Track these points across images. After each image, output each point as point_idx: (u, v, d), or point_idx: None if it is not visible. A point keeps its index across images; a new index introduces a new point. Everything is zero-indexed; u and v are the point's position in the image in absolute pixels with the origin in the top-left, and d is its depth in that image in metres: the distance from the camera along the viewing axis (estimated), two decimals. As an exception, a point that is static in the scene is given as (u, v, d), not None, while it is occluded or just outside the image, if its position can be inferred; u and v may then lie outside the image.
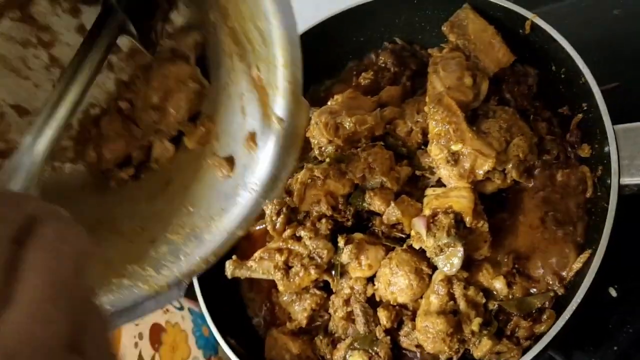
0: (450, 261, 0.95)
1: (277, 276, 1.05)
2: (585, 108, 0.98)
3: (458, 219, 0.95)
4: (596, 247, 0.86)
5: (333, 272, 1.06)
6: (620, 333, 1.06)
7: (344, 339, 1.05)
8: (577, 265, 0.95)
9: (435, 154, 1.01)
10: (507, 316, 0.97)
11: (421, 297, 1.00)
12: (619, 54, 1.24)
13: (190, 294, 1.27)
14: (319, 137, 1.11)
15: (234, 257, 1.12)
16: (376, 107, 1.15)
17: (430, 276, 0.99)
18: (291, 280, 1.05)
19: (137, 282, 0.80)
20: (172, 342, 1.32)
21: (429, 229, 0.95)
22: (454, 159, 0.98)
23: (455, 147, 0.98)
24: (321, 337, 1.07)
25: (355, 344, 1.02)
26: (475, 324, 0.94)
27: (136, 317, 0.82)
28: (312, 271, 1.04)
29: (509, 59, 1.08)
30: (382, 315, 1.01)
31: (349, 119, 1.08)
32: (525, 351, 0.92)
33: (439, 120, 1.00)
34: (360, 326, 1.02)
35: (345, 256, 1.02)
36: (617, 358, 1.04)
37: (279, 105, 0.72)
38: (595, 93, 0.91)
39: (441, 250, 0.95)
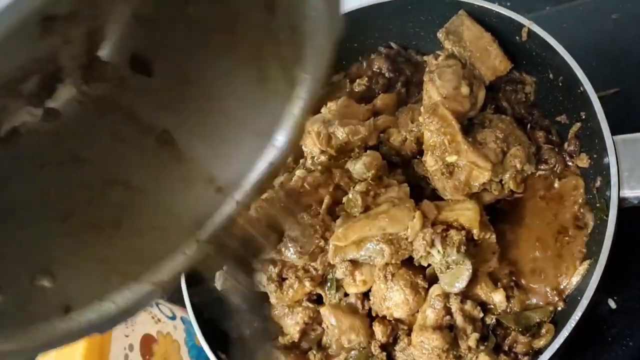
0: (456, 279, 0.93)
1: (271, 288, 1.03)
2: (583, 117, 0.96)
3: (469, 237, 0.92)
4: (596, 260, 0.84)
5: (327, 285, 1.03)
6: (620, 346, 1.04)
7: (339, 354, 1.03)
8: (576, 279, 0.93)
9: (430, 165, 0.99)
10: (505, 331, 0.95)
11: (417, 311, 0.97)
12: (618, 59, 1.22)
13: (182, 303, 1.25)
14: (312, 147, 1.09)
15: (225, 268, 1.09)
16: (370, 116, 1.12)
17: (426, 290, 0.97)
18: (284, 292, 1.03)
19: (144, 281, 0.77)
20: (164, 353, 1.29)
21: (432, 245, 0.93)
22: (449, 171, 0.96)
23: (450, 159, 0.96)
24: (314, 352, 1.05)
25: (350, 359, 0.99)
26: (472, 339, 0.92)
27: (136, 313, 0.79)
28: (307, 284, 1.01)
29: (506, 66, 1.06)
30: (378, 330, 0.98)
31: (342, 129, 1.06)
32: (524, 367, 0.90)
33: (433, 131, 0.98)
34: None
35: (340, 272, 0.99)
36: (617, 371, 1.03)
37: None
38: (594, 102, 0.89)
39: (448, 267, 0.93)
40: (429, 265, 0.97)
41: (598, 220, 0.93)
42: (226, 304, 1.16)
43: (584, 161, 0.97)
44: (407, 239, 0.94)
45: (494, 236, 0.95)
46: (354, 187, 1.01)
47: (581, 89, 0.92)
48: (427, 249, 0.93)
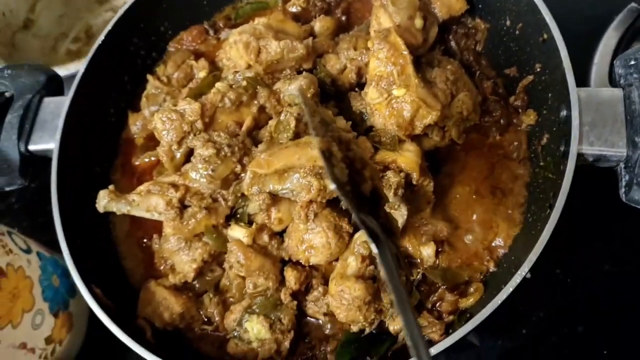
0: None
1: (169, 215, 0.86)
2: (538, 70, 0.90)
3: (408, 180, 0.82)
4: (543, 222, 0.77)
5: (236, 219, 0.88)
6: (530, 317, 1.01)
7: (239, 301, 0.88)
8: (508, 241, 0.87)
9: (373, 97, 0.87)
10: (430, 287, 0.86)
11: (337, 259, 0.86)
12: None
13: (41, 235, 1.04)
14: (237, 59, 0.93)
15: (110, 187, 0.90)
16: (307, 37, 0.98)
17: (350, 235, 0.86)
18: (184, 222, 0.86)
19: None
20: (13, 289, 1.07)
21: None
22: (394, 105, 0.85)
23: (397, 92, 0.85)
24: (211, 295, 0.90)
25: (254, 307, 0.85)
26: None
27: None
28: (213, 215, 0.86)
29: (462, 6, 0.97)
30: (290, 275, 0.85)
31: (276, 43, 0.91)
32: (448, 327, 0.82)
33: (382, 60, 0.86)
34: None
35: (254, 205, 0.85)
36: (525, 341, 0.99)
37: None
38: (561, 50, 0.82)
39: None
40: None
41: (540, 179, 0.87)
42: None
43: (530, 117, 0.91)
44: None
45: (432, 184, 0.86)
46: (287, 109, 0.86)
47: (545, 36, 0.85)
48: None
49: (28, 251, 1.15)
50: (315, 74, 0.95)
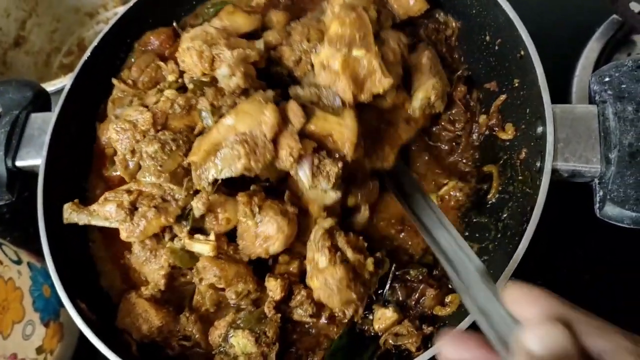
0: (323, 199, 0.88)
1: (120, 217, 0.87)
2: (516, 85, 0.91)
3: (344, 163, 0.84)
4: (520, 236, 0.78)
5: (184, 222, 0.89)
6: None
7: (221, 316, 0.90)
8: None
9: (327, 55, 0.85)
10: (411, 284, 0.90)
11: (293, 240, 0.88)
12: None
13: (31, 246, 1.05)
14: (193, 67, 0.92)
15: (76, 200, 0.93)
16: (259, 25, 1.00)
17: (296, 216, 0.86)
18: (135, 223, 0.87)
19: None
20: (3, 301, 1.08)
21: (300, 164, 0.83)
22: (350, 61, 0.84)
23: (357, 52, 0.84)
24: (187, 314, 0.90)
25: (239, 322, 0.86)
26: (370, 263, 0.85)
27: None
28: (162, 215, 0.86)
29: (421, 7, 0.97)
30: (275, 285, 0.86)
31: (229, 53, 0.89)
32: (426, 341, 0.83)
33: (347, 24, 0.85)
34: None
35: (199, 205, 0.85)
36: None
37: None
38: (537, 67, 0.83)
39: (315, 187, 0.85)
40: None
41: (518, 193, 0.88)
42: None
43: (509, 132, 0.92)
44: (265, 135, 0.80)
45: (377, 185, 0.92)
46: (199, 99, 0.88)
47: (522, 52, 0.87)
48: (292, 164, 0.81)
49: (18, 262, 1.16)
50: (272, 69, 0.95)
